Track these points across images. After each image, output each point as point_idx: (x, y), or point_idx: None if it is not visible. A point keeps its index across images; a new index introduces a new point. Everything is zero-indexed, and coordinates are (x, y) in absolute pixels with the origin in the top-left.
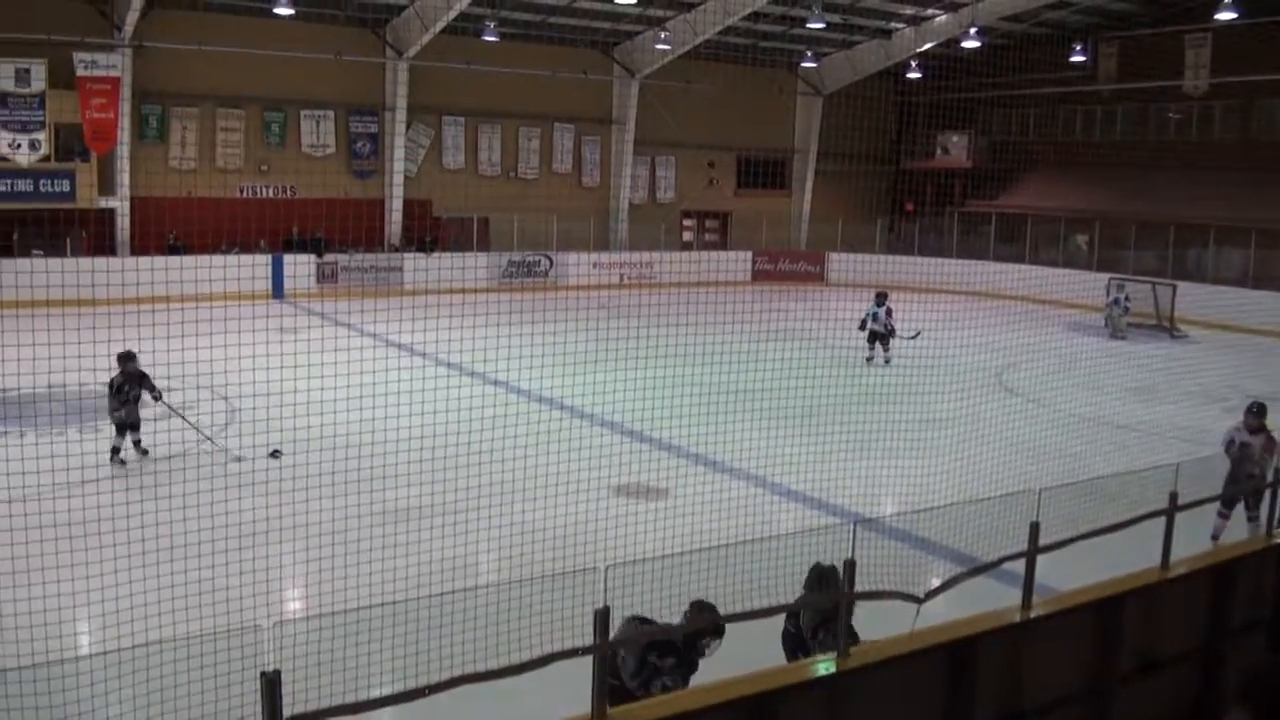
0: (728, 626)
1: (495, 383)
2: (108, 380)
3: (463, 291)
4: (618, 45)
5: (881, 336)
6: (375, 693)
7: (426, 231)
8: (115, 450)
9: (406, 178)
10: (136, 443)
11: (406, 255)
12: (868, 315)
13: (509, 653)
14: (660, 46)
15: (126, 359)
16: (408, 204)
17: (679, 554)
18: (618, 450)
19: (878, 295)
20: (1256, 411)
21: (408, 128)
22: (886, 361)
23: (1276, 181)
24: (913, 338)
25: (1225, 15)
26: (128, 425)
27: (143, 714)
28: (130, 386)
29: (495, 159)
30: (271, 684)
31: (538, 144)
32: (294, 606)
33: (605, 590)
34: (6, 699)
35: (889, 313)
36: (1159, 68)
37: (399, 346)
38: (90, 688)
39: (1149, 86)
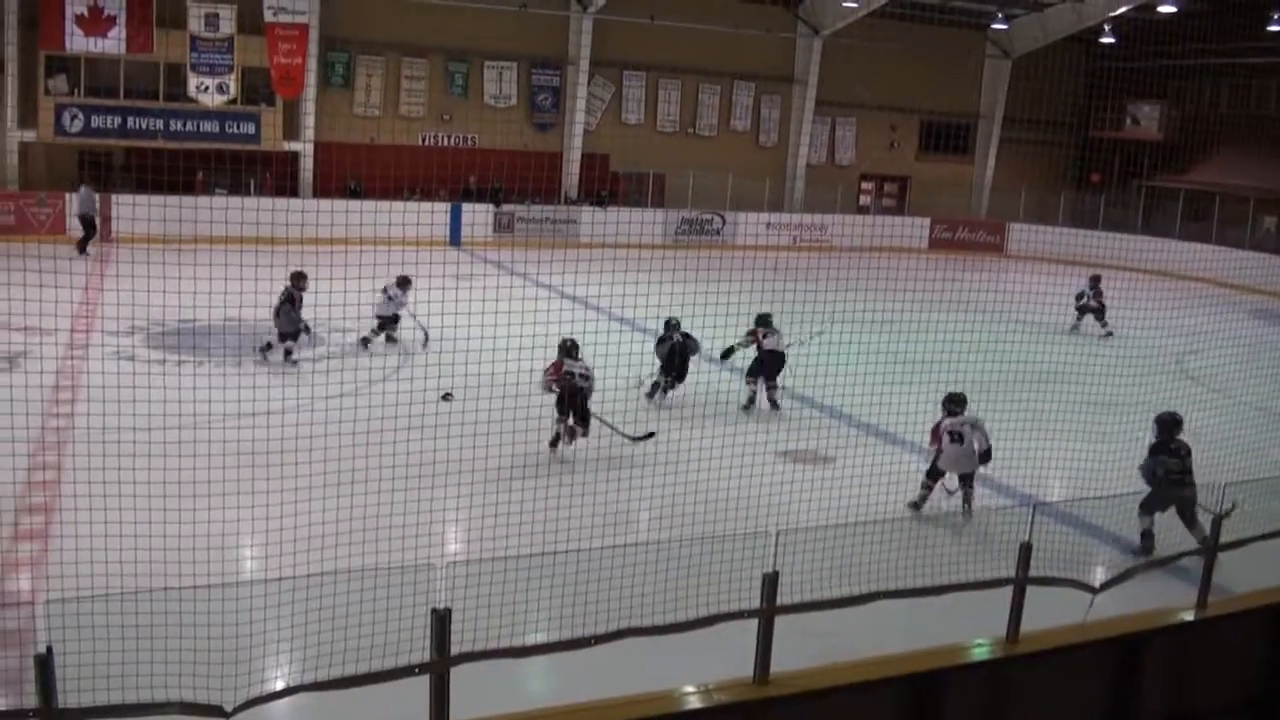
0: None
1: None
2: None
3: (636, 246)
4: (802, 2)
5: (1096, 311)
6: (539, 638)
7: (603, 186)
8: (268, 346)
9: (586, 131)
10: (288, 352)
11: (582, 208)
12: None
13: (674, 610)
14: (847, 4)
15: (298, 279)
16: (586, 158)
17: (846, 524)
18: (785, 415)
19: (1092, 278)
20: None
21: (589, 81)
22: (1108, 333)
23: None
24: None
25: None
26: (287, 334)
27: (313, 640)
28: (280, 303)
29: (674, 115)
30: (442, 620)
31: (717, 101)
32: (461, 548)
33: (775, 555)
34: (180, 615)
35: (1099, 293)
36: None
37: (572, 298)
38: (264, 611)
39: None
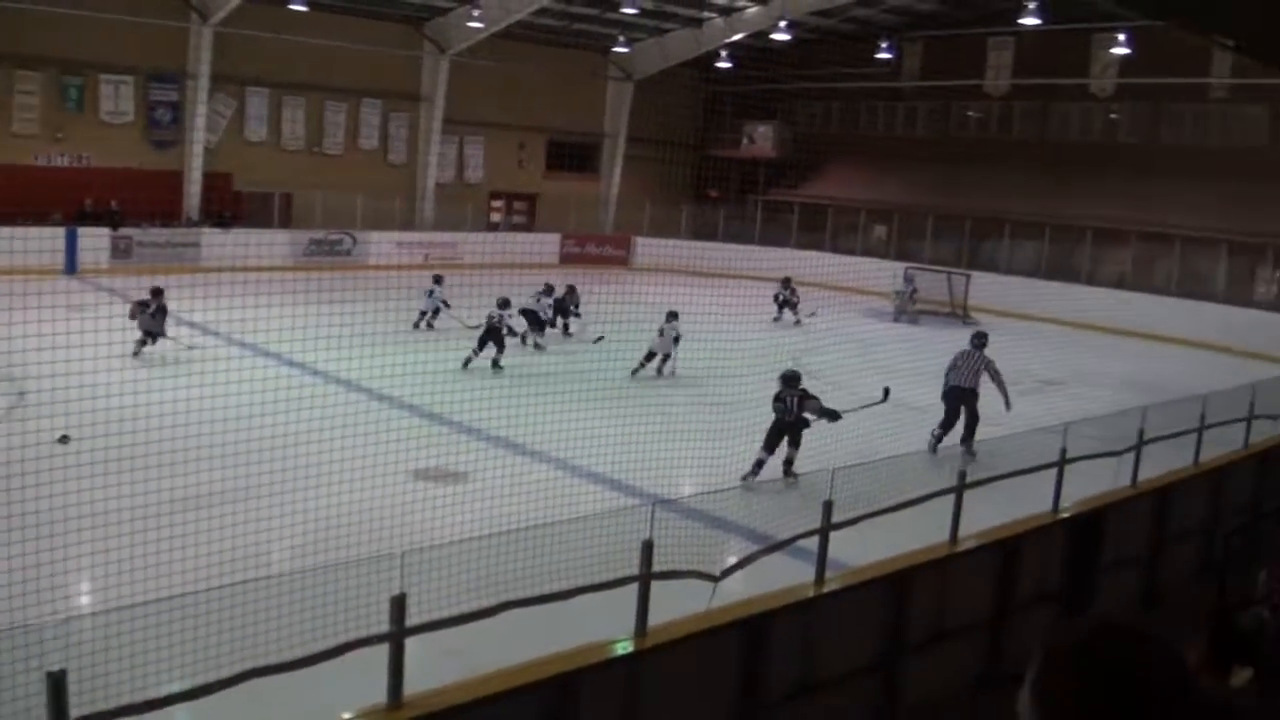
0: (530, 612)
1: (291, 364)
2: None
3: (262, 269)
4: (429, 21)
5: (792, 305)
6: (167, 690)
7: (226, 206)
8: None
9: (207, 149)
10: (143, 343)
11: (204, 230)
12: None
13: (304, 643)
14: (472, 24)
15: (158, 293)
16: (207, 177)
17: (478, 538)
18: (416, 433)
19: (783, 280)
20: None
21: (210, 97)
22: (797, 322)
23: (1069, 179)
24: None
25: (1029, 20)
26: (148, 333)
27: None
28: (155, 308)
29: (299, 133)
30: (57, 684)
31: (344, 119)
32: (81, 602)
33: (403, 577)
34: None
35: (793, 291)
36: (962, 67)
37: (193, 325)
38: None
39: (951, 85)
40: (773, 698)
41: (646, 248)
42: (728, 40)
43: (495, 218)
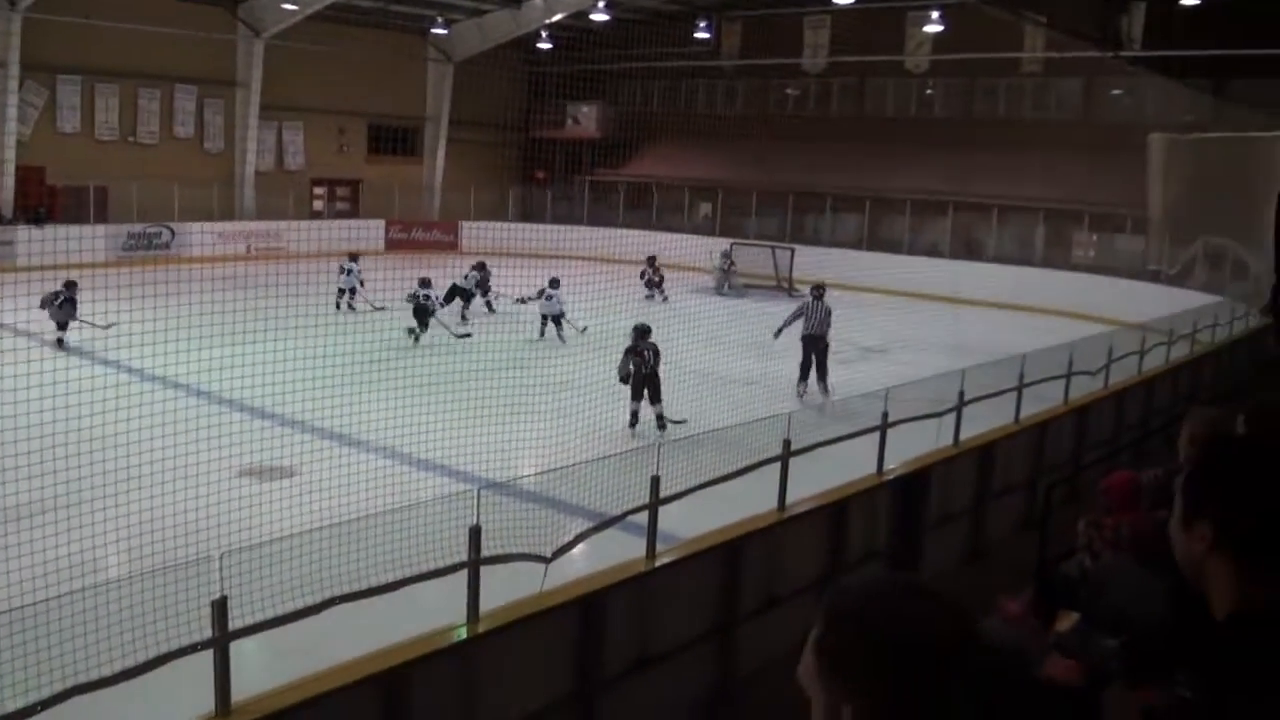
0: (359, 605)
1: (108, 363)
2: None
3: (78, 266)
4: (242, 3)
5: (657, 284)
6: None
7: (41, 201)
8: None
9: (19, 142)
10: (59, 340)
11: (18, 228)
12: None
13: (125, 655)
14: (286, 6)
15: (70, 285)
16: (20, 171)
17: (303, 532)
18: (243, 430)
19: (649, 258)
20: None
21: (20, 87)
22: (665, 299)
23: (887, 154)
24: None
25: None
26: (59, 323)
27: None
28: (62, 299)
29: (113, 122)
30: None
31: (158, 107)
32: None
33: (222, 579)
34: None
35: (656, 269)
36: (780, 46)
37: (5, 327)
38: None
39: (770, 64)
40: (610, 674)
41: (474, 231)
42: (547, 21)
43: (318, 205)
